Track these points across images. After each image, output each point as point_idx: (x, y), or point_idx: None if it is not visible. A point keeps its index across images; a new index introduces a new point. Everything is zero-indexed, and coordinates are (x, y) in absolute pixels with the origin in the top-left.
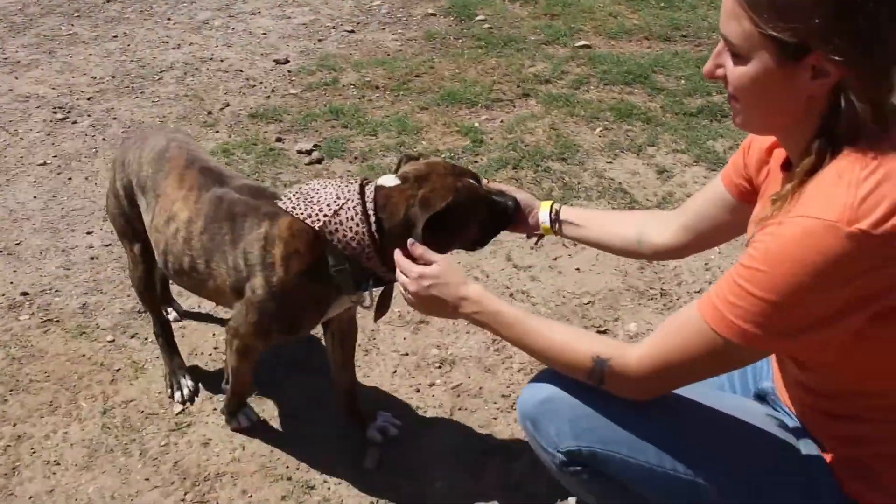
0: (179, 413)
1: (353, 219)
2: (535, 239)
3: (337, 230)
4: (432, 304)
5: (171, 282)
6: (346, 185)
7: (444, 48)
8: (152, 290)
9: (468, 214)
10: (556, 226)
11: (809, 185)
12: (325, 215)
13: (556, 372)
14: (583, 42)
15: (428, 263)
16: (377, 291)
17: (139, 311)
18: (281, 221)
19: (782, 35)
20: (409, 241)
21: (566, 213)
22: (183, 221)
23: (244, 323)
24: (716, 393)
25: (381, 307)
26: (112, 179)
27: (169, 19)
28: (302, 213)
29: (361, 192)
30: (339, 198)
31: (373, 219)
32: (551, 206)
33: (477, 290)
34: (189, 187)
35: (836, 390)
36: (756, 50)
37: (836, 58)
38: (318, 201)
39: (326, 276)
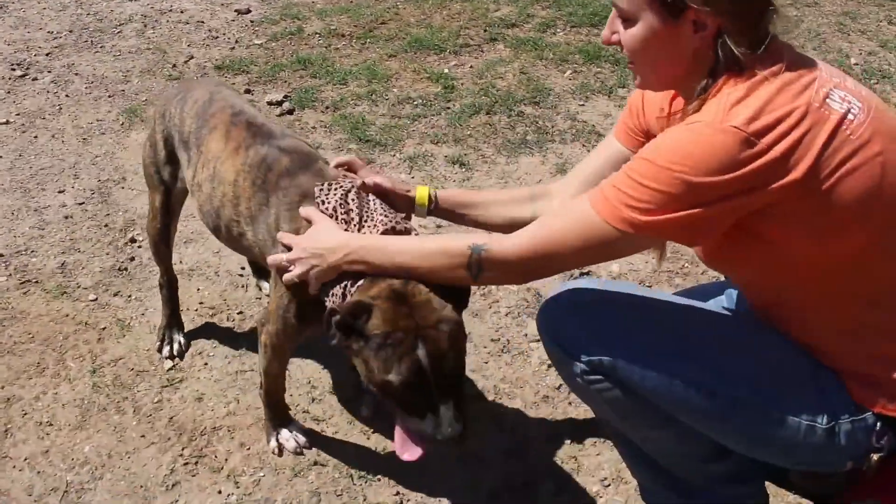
0: (170, 369)
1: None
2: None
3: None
4: (305, 265)
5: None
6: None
7: None
8: (168, 244)
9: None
10: (433, 206)
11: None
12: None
13: (574, 286)
14: None
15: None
16: None
17: (120, 269)
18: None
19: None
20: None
21: (445, 195)
22: (230, 184)
23: (272, 317)
24: (729, 309)
25: None
26: (152, 130)
27: None
28: (328, 211)
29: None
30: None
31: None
32: (428, 193)
33: (347, 235)
34: (235, 146)
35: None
36: (641, 11)
37: (710, 9)
38: (349, 211)
39: None
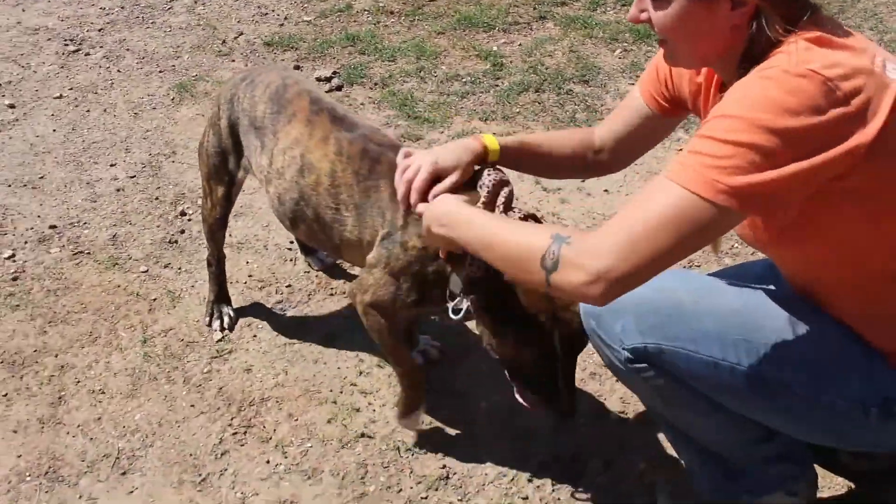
0: (220, 341)
1: None
2: None
3: None
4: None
5: None
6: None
7: None
8: (224, 230)
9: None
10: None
11: None
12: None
13: None
14: None
15: None
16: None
17: (170, 242)
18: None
19: None
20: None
21: (507, 140)
22: (326, 174)
23: (376, 290)
24: (774, 290)
25: None
26: (215, 116)
27: None
28: (484, 192)
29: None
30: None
31: None
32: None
33: (455, 203)
34: (322, 137)
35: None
36: None
37: None
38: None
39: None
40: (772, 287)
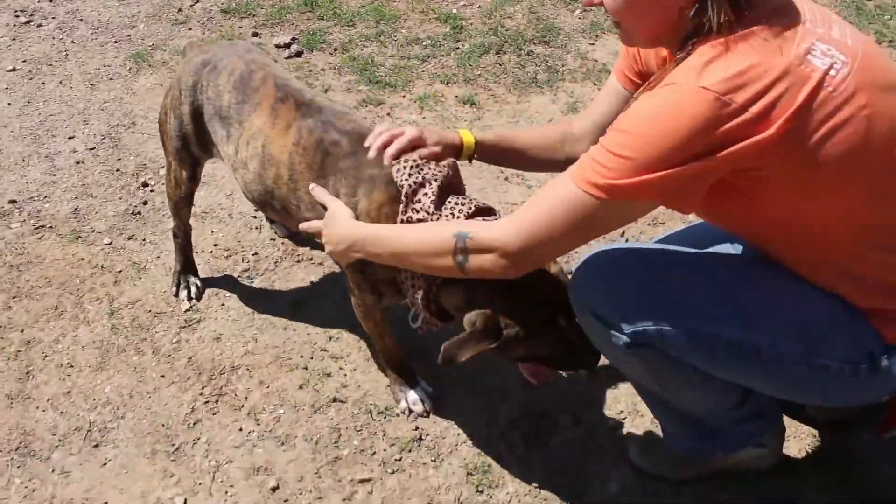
0: (188, 310)
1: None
2: None
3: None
4: (334, 257)
5: None
6: (461, 199)
7: None
8: (189, 206)
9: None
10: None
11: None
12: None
13: (599, 251)
14: None
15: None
16: None
17: (133, 213)
18: (374, 196)
19: None
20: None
21: (485, 139)
22: (284, 165)
23: (352, 285)
24: (750, 255)
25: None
26: (176, 100)
27: None
28: (404, 188)
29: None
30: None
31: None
32: (474, 138)
33: (350, 224)
34: (285, 126)
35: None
36: None
37: None
38: (423, 195)
39: None
40: (745, 250)
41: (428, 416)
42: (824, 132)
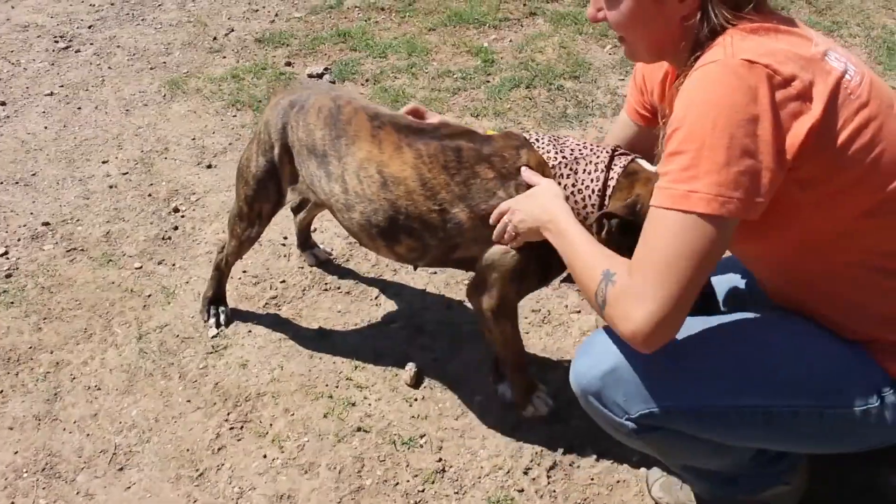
0: (215, 337)
1: (590, 174)
2: None
3: (567, 175)
4: (524, 224)
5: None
6: (601, 146)
7: None
8: (249, 249)
9: None
10: None
11: None
12: (564, 157)
13: (604, 340)
14: None
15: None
16: None
17: (164, 238)
18: (531, 157)
19: None
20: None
21: None
22: (413, 179)
23: (501, 271)
24: (753, 312)
25: None
26: (266, 143)
27: None
28: (542, 149)
29: (611, 156)
30: (586, 149)
31: (610, 185)
32: None
33: (560, 206)
34: (395, 147)
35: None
36: None
37: None
38: (565, 145)
39: None
40: (750, 303)
41: (553, 416)
42: (849, 133)
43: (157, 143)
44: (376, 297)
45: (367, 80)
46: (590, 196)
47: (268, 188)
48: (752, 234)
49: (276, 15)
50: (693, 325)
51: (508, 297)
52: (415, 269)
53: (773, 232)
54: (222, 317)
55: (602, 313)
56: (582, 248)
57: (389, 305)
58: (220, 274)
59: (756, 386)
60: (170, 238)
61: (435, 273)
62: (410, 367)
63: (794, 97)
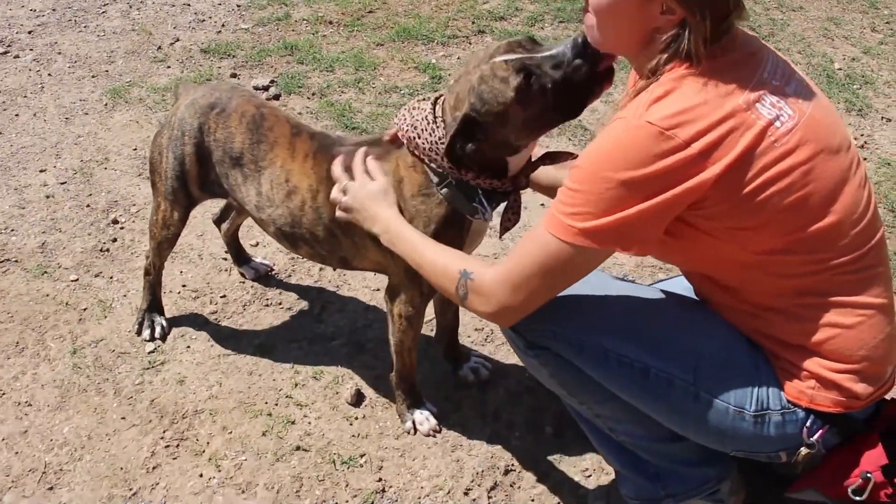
0: (152, 352)
1: (425, 128)
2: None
3: (418, 144)
4: (353, 216)
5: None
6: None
7: None
8: (171, 248)
9: (507, 120)
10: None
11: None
12: (408, 127)
13: None
14: None
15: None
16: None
17: (102, 250)
18: (390, 155)
19: None
20: (362, 151)
21: None
22: (307, 190)
23: (398, 272)
24: (681, 294)
25: (507, 221)
26: (177, 140)
27: None
28: (399, 128)
29: (435, 101)
30: (414, 108)
31: (441, 124)
32: None
33: (390, 214)
34: (303, 156)
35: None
36: None
37: (682, 2)
38: (405, 118)
39: (440, 199)
40: (677, 290)
41: (435, 435)
42: (763, 180)
43: (97, 153)
44: (318, 313)
45: (313, 94)
46: (437, 148)
47: (178, 187)
48: (665, 249)
49: (223, 25)
50: (629, 285)
51: (415, 300)
52: (333, 269)
53: (683, 252)
54: (157, 328)
55: (462, 304)
56: (428, 252)
57: (331, 321)
58: (152, 280)
59: (643, 340)
60: (108, 250)
61: (378, 290)
62: (351, 385)
63: (693, 157)
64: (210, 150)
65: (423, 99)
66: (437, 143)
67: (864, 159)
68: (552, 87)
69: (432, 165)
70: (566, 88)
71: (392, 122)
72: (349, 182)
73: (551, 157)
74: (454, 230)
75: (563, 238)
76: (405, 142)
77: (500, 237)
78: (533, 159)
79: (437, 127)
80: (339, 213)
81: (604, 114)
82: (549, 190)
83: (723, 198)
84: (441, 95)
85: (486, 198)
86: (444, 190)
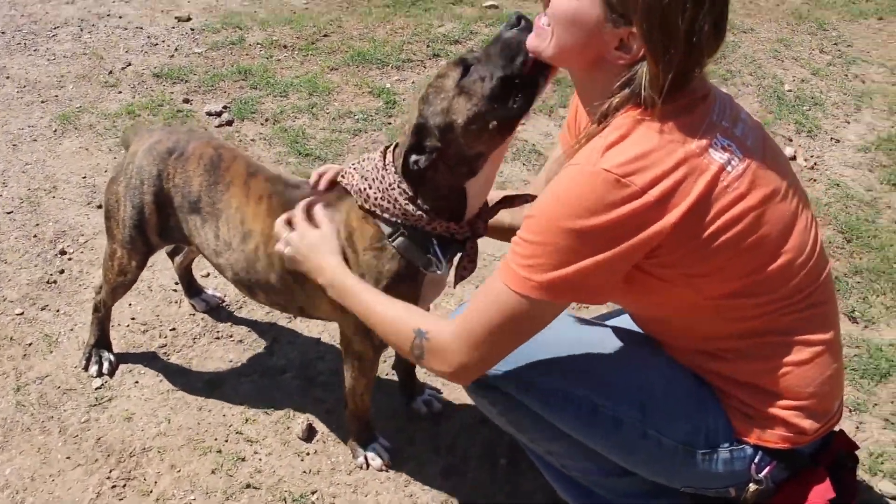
0: (99, 388)
1: (375, 177)
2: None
3: (369, 195)
4: (299, 267)
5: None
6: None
7: (351, 7)
8: (126, 293)
9: (452, 116)
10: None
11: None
12: (357, 180)
13: None
14: (490, 2)
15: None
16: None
17: (49, 282)
18: (342, 204)
19: (618, 8)
20: (306, 202)
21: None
22: (260, 234)
23: (349, 325)
24: (628, 330)
25: (463, 270)
26: (136, 189)
27: None
28: (348, 184)
29: (385, 150)
30: (363, 161)
31: (392, 169)
32: None
33: (333, 263)
34: (258, 197)
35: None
36: None
37: (646, 46)
38: (353, 174)
39: (393, 252)
40: (627, 327)
41: (388, 470)
42: (718, 226)
43: (44, 181)
44: (270, 346)
45: (266, 120)
46: (388, 194)
47: (136, 236)
48: (620, 296)
49: (176, 49)
50: (575, 321)
51: (367, 354)
52: (294, 316)
53: (638, 298)
54: (105, 364)
55: (418, 363)
56: (378, 307)
57: (283, 354)
58: (101, 316)
59: (590, 378)
60: (55, 282)
61: (331, 321)
62: (303, 420)
63: (650, 205)
64: (170, 196)
65: (370, 155)
66: (388, 189)
67: (814, 180)
68: (491, 74)
69: (384, 216)
70: (509, 73)
71: (341, 180)
72: (289, 234)
73: (509, 201)
74: (407, 285)
75: (519, 291)
76: (355, 195)
77: (454, 286)
78: (490, 204)
79: (388, 172)
80: (287, 264)
81: (556, 137)
82: (508, 234)
83: (679, 244)
84: (390, 146)
85: (442, 248)
86: (397, 241)
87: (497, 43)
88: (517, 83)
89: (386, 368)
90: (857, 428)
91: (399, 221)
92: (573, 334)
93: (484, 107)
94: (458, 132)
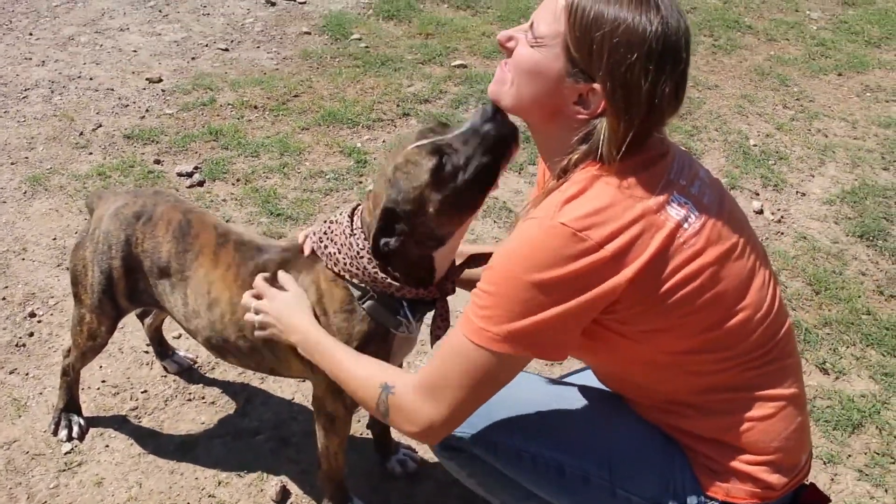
0: (69, 452)
1: (344, 243)
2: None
3: (338, 260)
4: (271, 332)
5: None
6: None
7: (321, 67)
8: (95, 357)
9: (425, 205)
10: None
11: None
12: (326, 245)
13: None
14: (459, 62)
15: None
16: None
17: (17, 345)
18: (310, 266)
19: (581, 64)
20: (262, 276)
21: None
22: (227, 303)
23: (321, 384)
24: (591, 386)
25: (437, 329)
26: (104, 255)
27: (31, 34)
28: (317, 248)
29: (352, 211)
30: (331, 223)
31: (360, 235)
32: None
33: (306, 322)
34: (226, 265)
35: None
36: (551, 46)
37: (607, 103)
38: (321, 238)
39: (363, 314)
40: (592, 385)
41: None
42: (675, 282)
43: (14, 243)
44: (242, 407)
45: (238, 180)
46: (357, 260)
47: (105, 300)
48: (582, 350)
49: (147, 110)
50: (541, 381)
51: (339, 413)
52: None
53: (597, 354)
54: (75, 428)
55: (384, 419)
56: (347, 363)
57: (255, 415)
58: (69, 380)
59: (556, 437)
60: (24, 345)
61: (303, 380)
62: (276, 482)
63: (607, 260)
64: (139, 261)
65: (338, 217)
66: (357, 255)
67: (781, 233)
68: (465, 163)
69: (354, 280)
70: (480, 160)
71: (308, 242)
72: (258, 302)
73: (476, 261)
74: (377, 345)
75: (477, 342)
76: (324, 259)
77: (432, 346)
78: (457, 262)
79: (357, 238)
80: (257, 333)
81: (526, 194)
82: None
83: (636, 300)
84: (357, 205)
85: (412, 309)
86: (367, 304)
87: (474, 135)
88: (488, 158)
89: (360, 428)
90: (833, 480)
91: (367, 286)
92: (538, 393)
93: (461, 196)
94: (429, 218)
